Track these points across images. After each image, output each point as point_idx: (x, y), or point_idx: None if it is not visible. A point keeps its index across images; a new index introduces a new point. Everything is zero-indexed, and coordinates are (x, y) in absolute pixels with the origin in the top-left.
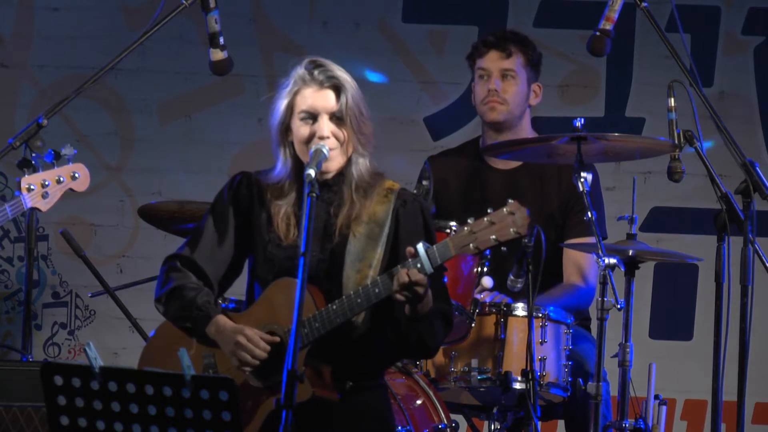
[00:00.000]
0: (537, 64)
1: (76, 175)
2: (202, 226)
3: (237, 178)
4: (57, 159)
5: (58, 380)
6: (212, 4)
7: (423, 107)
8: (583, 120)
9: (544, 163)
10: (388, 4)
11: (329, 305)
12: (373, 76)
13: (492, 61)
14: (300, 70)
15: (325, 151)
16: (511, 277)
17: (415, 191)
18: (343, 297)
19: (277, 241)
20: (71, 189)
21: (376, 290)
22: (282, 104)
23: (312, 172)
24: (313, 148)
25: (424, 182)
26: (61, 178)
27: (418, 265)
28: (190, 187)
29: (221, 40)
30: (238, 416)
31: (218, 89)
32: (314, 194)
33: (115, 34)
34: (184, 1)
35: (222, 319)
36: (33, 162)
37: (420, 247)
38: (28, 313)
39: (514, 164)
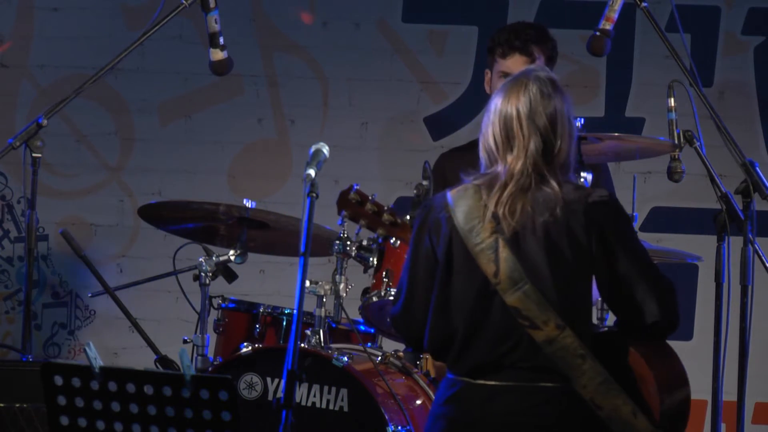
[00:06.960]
0: (554, 57)
1: None
2: None
3: None
4: None
5: (58, 380)
6: (212, 4)
7: (423, 107)
8: (583, 120)
9: None
10: (388, 4)
11: None
12: None
13: (516, 64)
14: None
15: (325, 150)
16: None
17: (415, 191)
18: None
19: None
20: None
21: None
22: None
23: (312, 171)
24: (313, 147)
25: (424, 182)
26: None
27: None
28: (190, 187)
29: (221, 40)
30: (238, 416)
31: (218, 89)
32: (314, 194)
33: (115, 34)
34: (184, 1)
35: None
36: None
37: None
38: (28, 313)
39: None
